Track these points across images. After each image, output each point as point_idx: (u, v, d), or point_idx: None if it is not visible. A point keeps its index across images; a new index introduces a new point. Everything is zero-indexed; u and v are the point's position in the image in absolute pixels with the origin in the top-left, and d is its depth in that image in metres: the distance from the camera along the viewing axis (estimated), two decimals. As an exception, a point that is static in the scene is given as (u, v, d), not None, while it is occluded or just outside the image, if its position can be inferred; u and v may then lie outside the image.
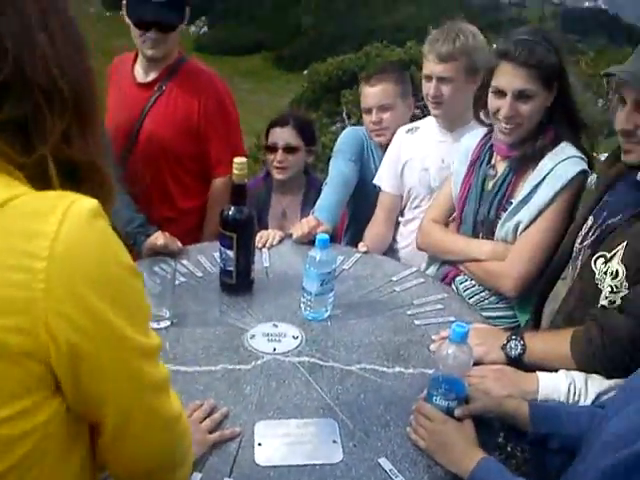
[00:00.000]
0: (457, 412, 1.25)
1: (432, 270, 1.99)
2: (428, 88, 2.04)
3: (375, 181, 2.28)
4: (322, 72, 7.37)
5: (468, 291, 1.86)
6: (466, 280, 1.87)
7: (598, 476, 1.01)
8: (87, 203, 0.68)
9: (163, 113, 2.28)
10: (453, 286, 1.90)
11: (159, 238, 2.00)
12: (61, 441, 0.72)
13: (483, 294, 1.83)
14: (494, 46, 1.85)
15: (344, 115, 5.33)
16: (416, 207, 2.21)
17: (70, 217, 0.66)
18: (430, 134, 2.17)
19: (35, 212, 0.66)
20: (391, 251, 2.28)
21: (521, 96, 1.65)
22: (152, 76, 2.30)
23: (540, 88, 1.64)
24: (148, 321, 0.78)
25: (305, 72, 7.90)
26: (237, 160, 1.67)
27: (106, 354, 0.70)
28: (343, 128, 6.14)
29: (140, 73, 2.33)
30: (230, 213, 1.69)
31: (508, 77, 1.65)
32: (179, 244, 2.00)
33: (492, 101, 1.71)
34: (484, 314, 1.80)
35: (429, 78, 2.03)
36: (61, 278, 0.65)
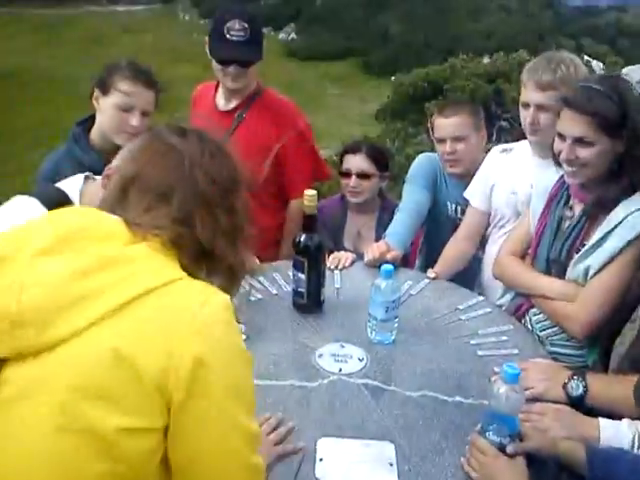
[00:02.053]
0: (509, 449, 1.29)
1: (507, 298, 2.00)
2: (525, 116, 2.04)
3: (465, 194, 2.32)
4: (407, 83, 7.41)
5: (540, 324, 1.87)
6: (539, 313, 1.87)
7: None
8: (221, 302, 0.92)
9: (243, 139, 2.41)
10: (527, 317, 1.91)
11: None
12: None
13: (555, 329, 1.83)
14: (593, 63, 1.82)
15: (429, 126, 5.36)
16: (501, 227, 2.23)
17: (208, 310, 0.90)
18: (523, 158, 2.19)
19: (186, 300, 0.91)
20: (478, 267, 2.30)
21: (580, 142, 1.65)
22: (233, 104, 2.46)
23: (600, 136, 1.63)
24: (253, 407, 0.97)
25: (393, 78, 7.95)
26: (308, 192, 1.78)
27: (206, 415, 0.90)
28: (429, 139, 6.15)
29: (221, 101, 2.49)
30: (302, 240, 1.82)
31: (567, 123, 1.66)
32: (257, 261, 2.12)
33: (556, 143, 1.72)
34: (553, 349, 1.80)
35: (527, 106, 2.03)
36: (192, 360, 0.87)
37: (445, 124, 2.35)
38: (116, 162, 1.09)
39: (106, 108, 2.02)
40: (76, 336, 0.84)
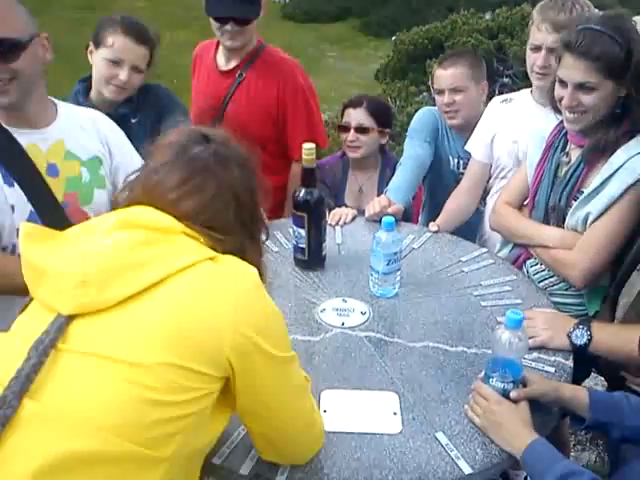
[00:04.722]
0: (512, 394, 1.29)
1: (505, 251, 1.99)
2: (535, 59, 1.99)
3: (466, 147, 2.30)
4: (407, 41, 7.26)
5: (538, 275, 1.86)
6: (537, 264, 1.86)
7: None
8: (254, 276, 1.03)
9: (244, 99, 2.39)
10: (524, 269, 1.90)
11: None
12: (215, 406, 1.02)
13: (552, 279, 1.83)
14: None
15: (430, 84, 5.30)
16: (502, 178, 2.21)
17: (247, 283, 1.02)
18: (524, 107, 2.15)
19: (228, 272, 1.02)
20: (479, 219, 2.30)
21: (582, 87, 1.61)
22: (233, 63, 2.41)
23: (604, 80, 1.58)
24: (287, 342, 1.10)
25: (393, 38, 7.83)
26: (306, 146, 1.76)
27: (263, 368, 1.03)
28: (430, 97, 6.05)
29: (222, 61, 2.44)
30: (301, 195, 1.79)
31: (568, 68, 1.61)
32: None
33: (557, 90, 1.68)
34: (553, 299, 1.79)
35: (537, 48, 1.98)
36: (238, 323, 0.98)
37: (443, 75, 2.32)
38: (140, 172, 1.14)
39: (97, 61, 2.03)
40: (134, 298, 0.95)
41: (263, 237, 1.22)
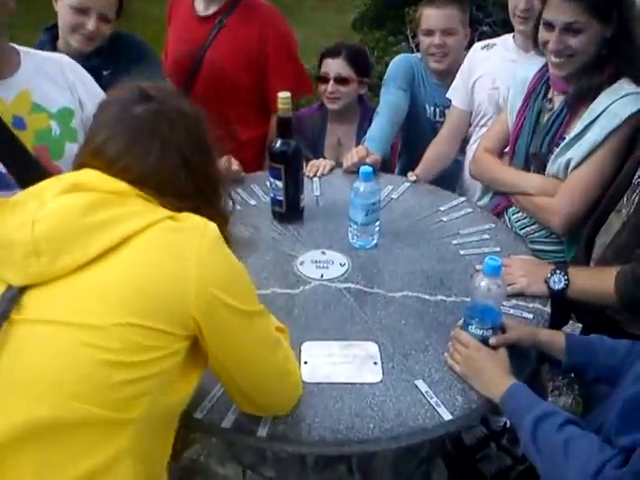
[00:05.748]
0: (491, 341, 1.30)
1: (485, 199, 1.98)
2: (517, 2, 1.99)
3: (447, 95, 2.27)
4: (385, -11, 7.08)
5: (519, 222, 1.86)
6: (518, 211, 1.86)
7: (620, 404, 1.05)
8: (214, 230, 0.99)
9: (223, 47, 2.30)
10: (505, 216, 1.90)
11: (234, 163, 2.01)
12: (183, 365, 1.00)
13: (534, 227, 1.82)
14: None
15: (408, 34, 5.19)
16: (482, 125, 2.19)
17: (207, 239, 0.97)
18: (505, 52, 2.13)
19: (187, 228, 0.98)
20: (459, 169, 2.27)
21: (569, 29, 1.57)
22: (213, 9, 2.31)
23: (592, 20, 1.55)
24: (254, 296, 1.07)
25: (371, -13, 7.64)
26: (281, 95, 1.70)
27: (231, 324, 1.01)
28: (408, 47, 5.94)
29: (200, 6, 2.34)
30: (277, 146, 1.75)
31: (556, 9, 1.58)
32: (243, 174, 2.06)
33: (542, 33, 1.64)
34: (533, 247, 1.80)
35: None
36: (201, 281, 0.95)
37: (436, 15, 2.25)
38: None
39: (62, 8, 1.91)
40: (92, 262, 0.91)
41: (229, 204, 1.16)
